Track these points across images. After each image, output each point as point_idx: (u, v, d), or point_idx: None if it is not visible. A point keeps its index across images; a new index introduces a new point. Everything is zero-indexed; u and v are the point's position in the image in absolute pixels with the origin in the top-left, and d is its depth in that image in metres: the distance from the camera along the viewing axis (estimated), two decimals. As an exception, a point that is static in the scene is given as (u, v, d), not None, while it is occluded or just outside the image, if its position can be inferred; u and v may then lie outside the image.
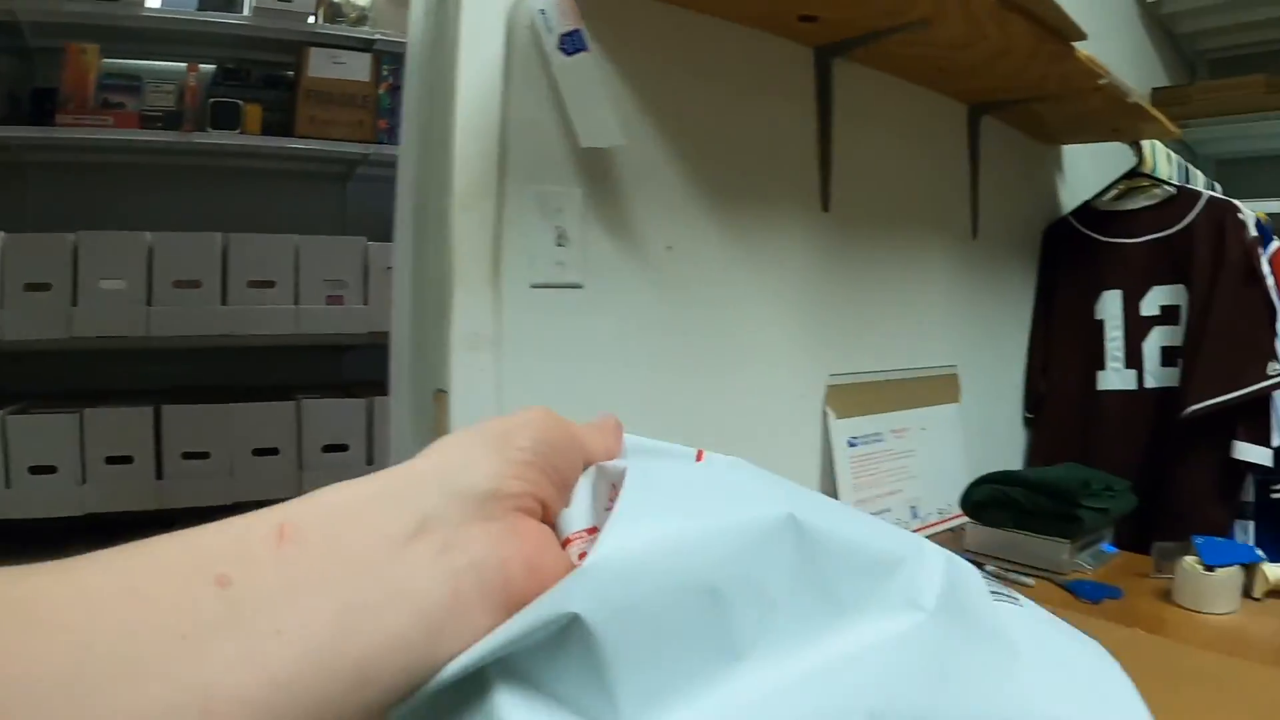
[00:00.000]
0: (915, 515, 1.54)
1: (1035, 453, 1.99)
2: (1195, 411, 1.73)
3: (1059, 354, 1.96)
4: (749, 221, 1.35)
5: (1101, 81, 1.49)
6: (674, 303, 1.27)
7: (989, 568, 1.34)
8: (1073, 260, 1.96)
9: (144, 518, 2.29)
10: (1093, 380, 1.91)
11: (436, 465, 0.32)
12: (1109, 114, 1.75)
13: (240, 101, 2.59)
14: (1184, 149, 2.86)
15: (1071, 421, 1.92)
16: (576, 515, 0.35)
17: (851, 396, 1.47)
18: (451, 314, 1.10)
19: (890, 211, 1.57)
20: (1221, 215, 1.82)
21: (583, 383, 1.19)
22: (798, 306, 1.42)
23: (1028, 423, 2.01)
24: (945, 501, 1.59)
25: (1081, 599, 1.25)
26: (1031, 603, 0.40)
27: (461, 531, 0.30)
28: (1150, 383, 1.87)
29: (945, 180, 1.71)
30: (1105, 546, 1.47)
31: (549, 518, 0.34)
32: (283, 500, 0.29)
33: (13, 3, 2.26)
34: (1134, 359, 1.88)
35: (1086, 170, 2.11)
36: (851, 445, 1.45)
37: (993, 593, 0.38)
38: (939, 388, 1.65)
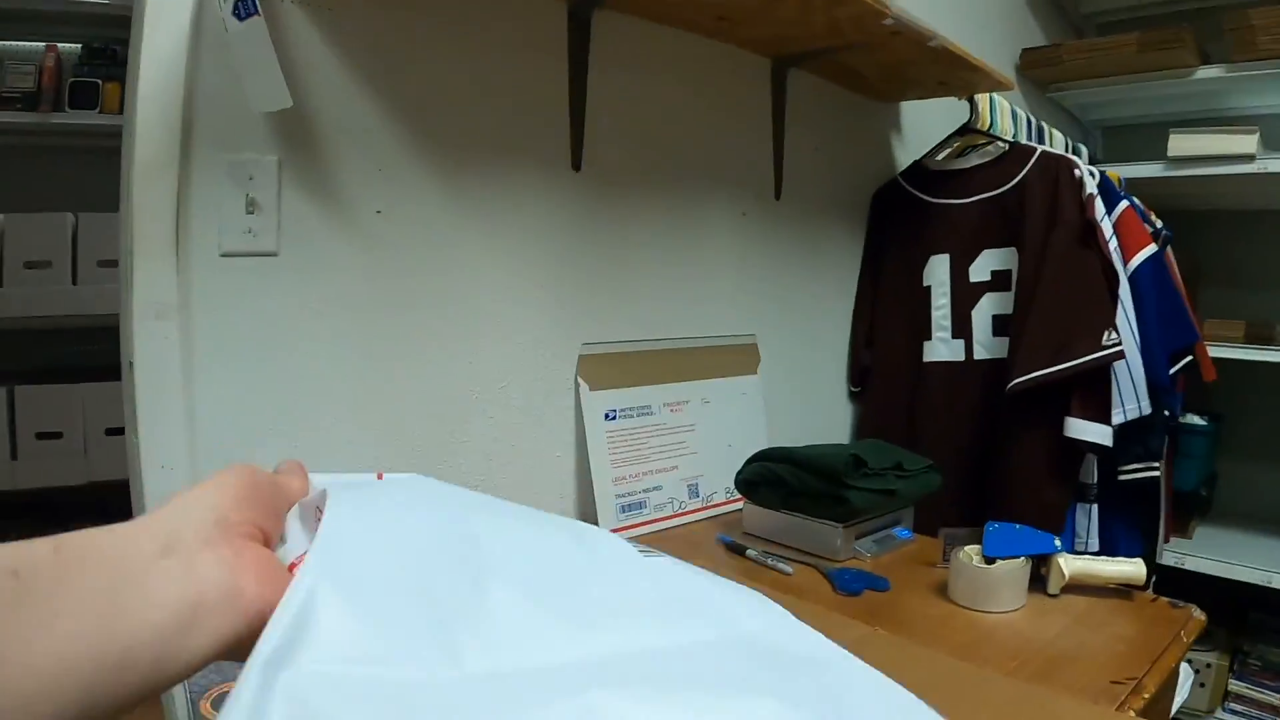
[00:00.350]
0: (695, 494, 1.48)
1: (862, 428, 1.92)
2: (1020, 384, 1.65)
3: (885, 324, 1.88)
4: (483, 183, 1.30)
5: (887, 22, 1.41)
6: (387, 271, 1.23)
7: (750, 552, 1.28)
8: (901, 223, 1.88)
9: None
10: (919, 351, 1.84)
11: (177, 503, 0.41)
12: (930, 65, 1.67)
13: (99, 81, 2.54)
14: (1066, 114, 2.76)
15: (898, 395, 1.85)
16: (293, 545, 0.45)
17: (610, 367, 1.41)
18: (134, 284, 1.08)
19: (662, 171, 1.51)
20: (1056, 171, 1.73)
21: (280, 354, 1.17)
22: (543, 272, 1.37)
23: (854, 397, 1.93)
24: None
25: (838, 590, 1.17)
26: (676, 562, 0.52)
27: (201, 552, 0.38)
28: (980, 354, 1.80)
29: (741, 139, 1.64)
30: (900, 532, 1.39)
31: (270, 543, 0.43)
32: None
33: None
34: (962, 328, 1.81)
35: (936, 131, 2.01)
36: (610, 419, 1.39)
37: (641, 551, 0.52)
38: (732, 358, 1.59)
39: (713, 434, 1.53)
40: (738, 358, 1.60)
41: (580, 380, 1.39)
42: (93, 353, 2.64)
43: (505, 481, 1.34)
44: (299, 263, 1.18)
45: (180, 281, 1.11)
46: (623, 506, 1.39)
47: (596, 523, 1.35)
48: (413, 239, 1.25)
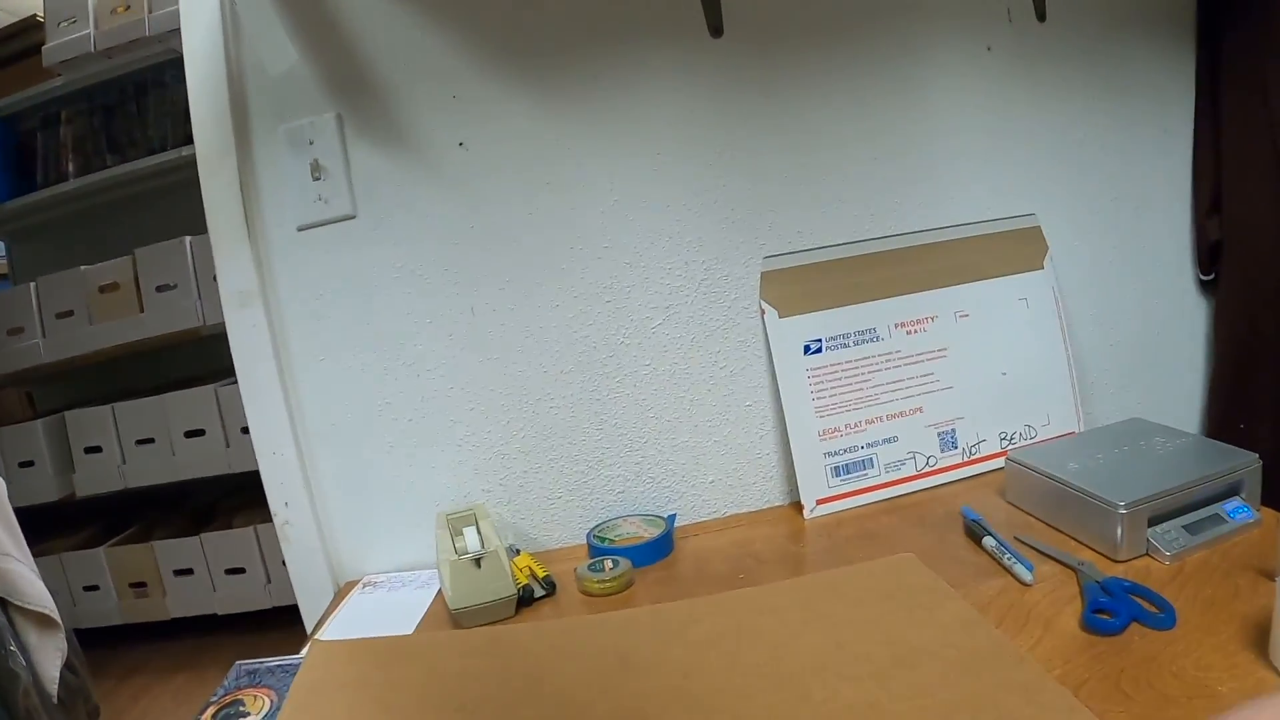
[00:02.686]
0: (949, 444, 1.09)
1: (1219, 334, 1.29)
2: None
3: (1240, 177, 1.25)
4: (591, 77, 1.08)
5: None
6: (482, 208, 1.08)
7: (988, 541, 0.92)
8: (1255, 22, 1.25)
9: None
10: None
11: None
12: None
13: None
14: None
15: (1270, 280, 1.21)
16: None
17: (806, 284, 1.09)
18: (219, 276, 1.11)
19: (843, 12, 1.10)
20: None
21: (374, 324, 1.10)
22: (691, 171, 1.09)
23: (1204, 287, 1.31)
24: (1022, 420, 1.11)
25: (1085, 625, 0.73)
26: None
27: None
28: None
29: None
30: (1234, 510, 0.87)
31: None
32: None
33: None
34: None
35: None
36: (811, 351, 1.06)
37: None
38: (998, 250, 1.14)
39: (975, 359, 1.11)
40: (1008, 248, 1.15)
41: (765, 304, 1.07)
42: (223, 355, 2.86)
43: (675, 452, 1.10)
44: (380, 220, 1.10)
45: (259, 265, 1.10)
46: (836, 468, 1.06)
47: (797, 492, 1.04)
48: (509, 163, 1.08)
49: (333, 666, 0.85)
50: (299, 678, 0.83)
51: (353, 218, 1.07)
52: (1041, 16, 1.19)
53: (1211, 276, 1.25)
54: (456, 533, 1.01)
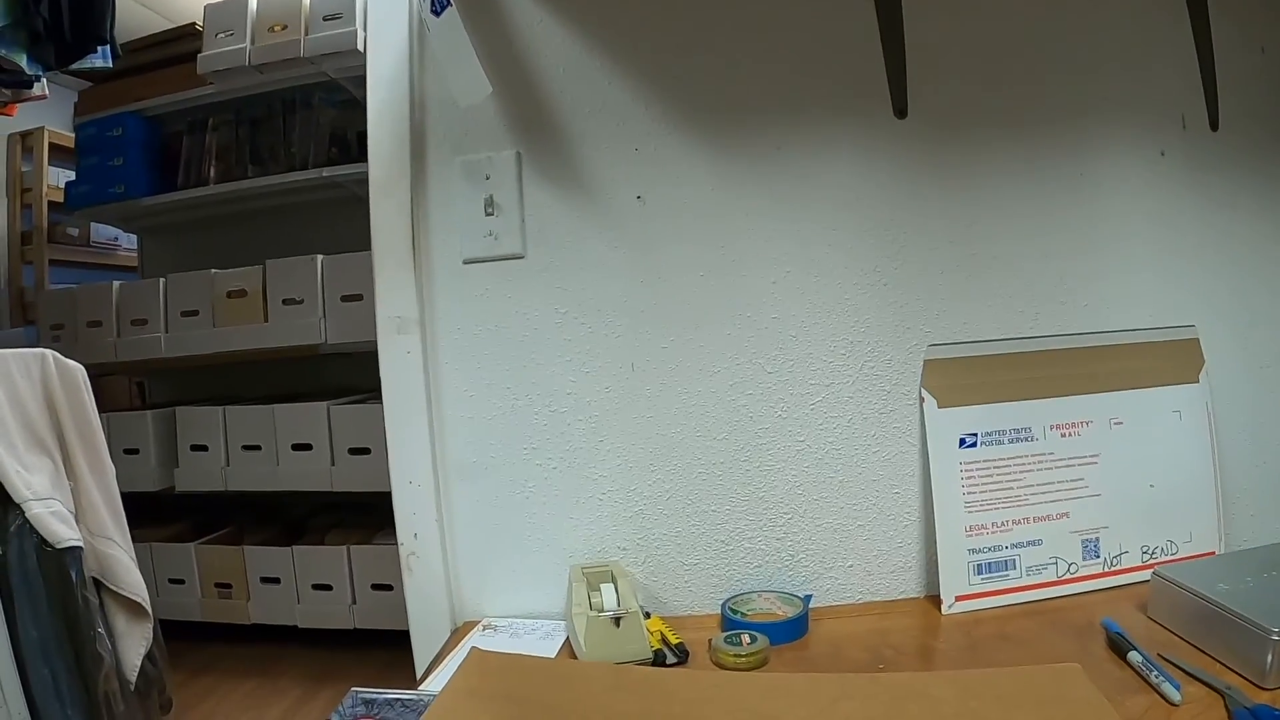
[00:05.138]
0: (1092, 553, 1.10)
1: None
2: None
3: None
4: (772, 147, 1.12)
5: None
6: (653, 266, 1.11)
7: (1134, 656, 0.93)
8: None
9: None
10: None
11: None
12: None
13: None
14: None
15: None
16: None
17: (968, 376, 1.11)
18: (376, 300, 1.13)
19: (1020, 107, 1.13)
20: None
21: (529, 367, 1.12)
22: (865, 252, 1.11)
23: None
24: (1165, 534, 1.11)
25: None
26: None
27: None
28: None
29: (1140, 50, 1.17)
30: None
31: None
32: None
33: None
34: None
35: None
36: (966, 445, 1.06)
37: None
38: (1156, 361, 1.15)
39: (1125, 468, 1.12)
40: (1166, 359, 1.16)
41: (925, 393, 1.09)
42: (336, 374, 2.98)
43: (818, 531, 1.11)
44: (548, 264, 1.13)
45: (421, 293, 1.12)
46: (978, 566, 1.07)
47: (937, 587, 1.05)
48: (683, 225, 1.11)
49: (488, 676, 0.88)
50: (453, 681, 0.86)
51: (521, 257, 1.10)
52: (1215, 125, 1.20)
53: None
54: (593, 588, 1.01)
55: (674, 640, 1.00)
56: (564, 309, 1.09)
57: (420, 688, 0.91)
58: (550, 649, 1.01)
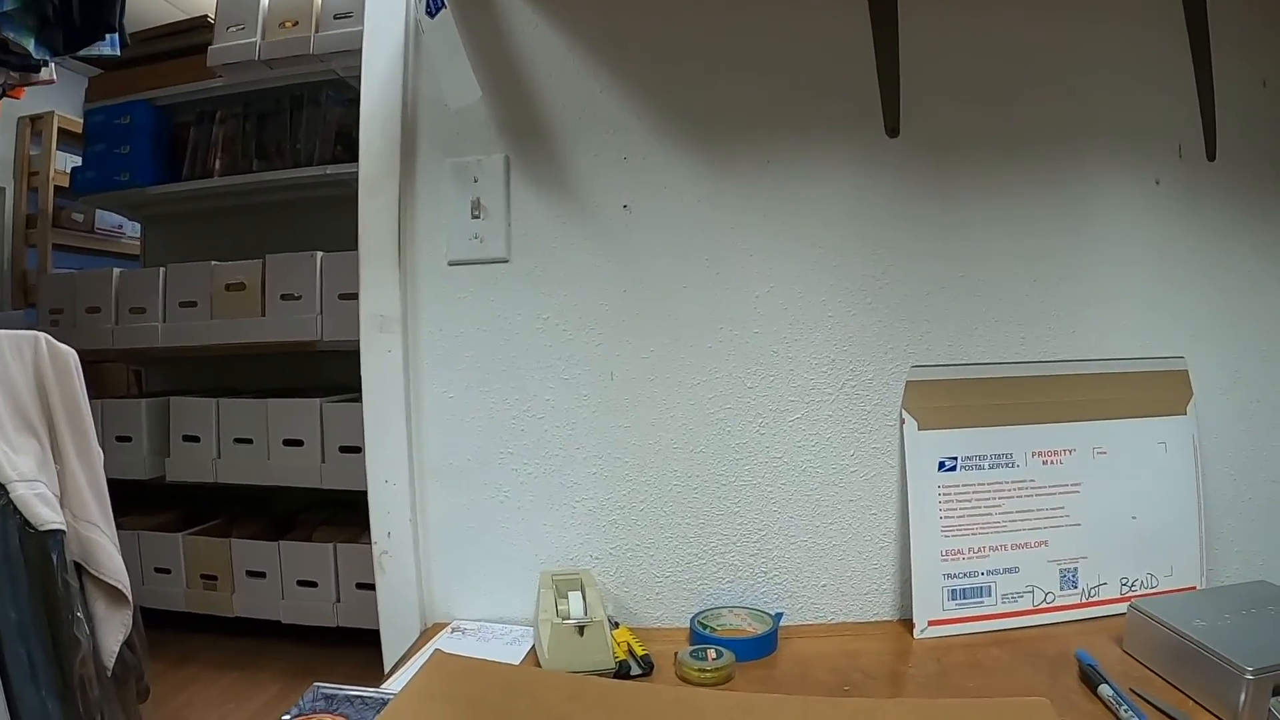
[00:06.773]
0: (1070, 583, 1.10)
1: None
2: None
3: None
4: (760, 163, 1.12)
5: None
6: (637, 276, 1.12)
7: (1104, 690, 0.92)
8: None
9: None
10: None
11: None
12: None
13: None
14: None
15: None
16: None
17: (949, 399, 1.11)
18: (360, 297, 1.15)
19: (1015, 131, 1.13)
20: None
21: (510, 371, 1.13)
22: (850, 271, 1.12)
23: None
24: (1145, 567, 1.12)
25: None
26: None
27: None
28: None
29: (1140, 78, 1.17)
30: None
31: None
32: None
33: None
34: None
35: None
36: (945, 468, 1.06)
37: None
38: (1143, 391, 1.15)
39: (1108, 499, 1.12)
40: (1153, 389, 1.16)
41: (906, 414, 1.10)
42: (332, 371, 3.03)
43: (792, 549, 1.11)
44: (532, 269, 1.14)
45: (405, 293, 1.14)
46: (953, 591, 1.07)
47: (910, 610, 1.05)
48: (669, 236, 1.12)
49: (448, 680, 0.88)
50: (413, 682, 0.86)
51: (506, 261, 1.11)
52: (1212, 156, 1.20)
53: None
54: (561, 595, 1.02)
55: (640, 652, 1.01)
56: (545, 315, 1.10)
57: (382, 686, 0.92)
58: (516, 654, 1.02)
